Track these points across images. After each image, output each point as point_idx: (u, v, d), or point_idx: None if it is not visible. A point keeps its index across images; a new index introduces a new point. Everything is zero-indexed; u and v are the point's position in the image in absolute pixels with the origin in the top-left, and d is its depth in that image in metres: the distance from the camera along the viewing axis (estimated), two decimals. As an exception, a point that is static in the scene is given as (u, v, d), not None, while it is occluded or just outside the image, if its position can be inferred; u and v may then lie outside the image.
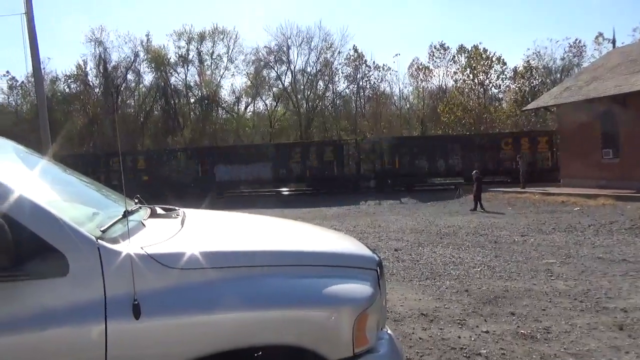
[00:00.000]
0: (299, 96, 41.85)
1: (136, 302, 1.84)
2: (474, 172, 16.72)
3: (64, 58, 72.15)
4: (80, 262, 1.86)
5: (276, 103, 44.97)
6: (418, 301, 5.57)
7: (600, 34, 39.50)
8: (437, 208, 16.81)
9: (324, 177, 25.99)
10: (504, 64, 39.67)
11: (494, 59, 39.41)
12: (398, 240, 9.96)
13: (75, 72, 42.52)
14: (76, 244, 1.87)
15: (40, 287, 1.82)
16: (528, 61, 40.50)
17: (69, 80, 42.78)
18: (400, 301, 5.56)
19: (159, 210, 2.92)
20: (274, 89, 43.95)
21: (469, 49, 40.86)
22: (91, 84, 42.71)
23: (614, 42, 25.66)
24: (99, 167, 26.62)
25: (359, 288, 2.24)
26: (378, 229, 11.77)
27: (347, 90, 43.71)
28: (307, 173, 26.15)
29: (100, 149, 36.45)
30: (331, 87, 42.90)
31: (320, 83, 42.71)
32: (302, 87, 42.19)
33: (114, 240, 1.99)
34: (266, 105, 45.20)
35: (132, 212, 2.57)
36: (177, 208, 2.98)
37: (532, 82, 40.08)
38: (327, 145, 27.61)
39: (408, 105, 45.33)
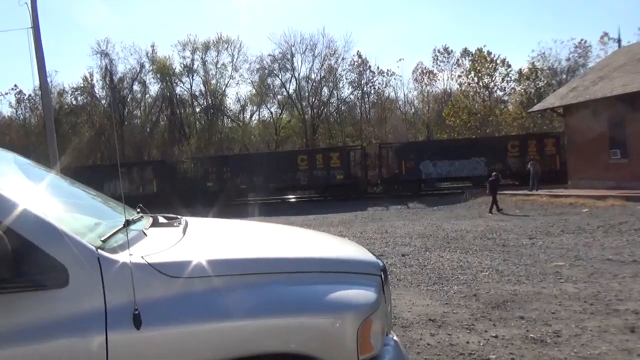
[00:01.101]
0: (303, 103, 41.91)
1: (137, 312, 1.83)
2: (493, 173, 16.72)
3: (71, 71, 72.95)
4: (80, 272, 1.85)
5: (281, 110, 45.10)
6: (426, 306, 5.52)
7: (606, 34, 39.30)
8: (444, 212, 16.73)
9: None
10: (509, 66, 39.51)
11: (498, 61, 39.29)
12: (405, 246, 9.91)
13: (82, 84, 42.98)
14: (76, 254, 1.86)
15: (40, 298, 1.82)
16: (533, 63, 40.31)
17: (76, 93, 43.22)
18: (408, 307, 5.51)
19: (161, 219, 2.91)
20: (279, 97, 44.10)
21: (473, 52, 40.81)
22: (97, 95, 43.10)
23: (619, 41, 25.60)
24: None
25: (363, 294, 2.22)
26: (385, 235, 11.72)
27: (351, 96, 43.73)
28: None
29: (108, 160, 36.71)
30: (336, 94, 42.93)
31: (325, 89, 42.75)
32: (307, 94, 42.24)
33: (114, 250, 1.99)
34: (271, 113, 45.36)
35: (133, 222, 2.57)
36: (179, 217, 2.97)
37: (538, 84, 39.86)
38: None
39: (413, 110, 45.27)
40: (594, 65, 28.37)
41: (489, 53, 39.35)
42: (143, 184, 26.73)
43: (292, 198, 27.32)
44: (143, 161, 33.44)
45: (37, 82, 20.49)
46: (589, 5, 60.48)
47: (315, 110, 41.97)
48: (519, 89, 40.59)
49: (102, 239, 2.04)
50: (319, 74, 41.81)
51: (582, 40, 40.53)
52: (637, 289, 5.71)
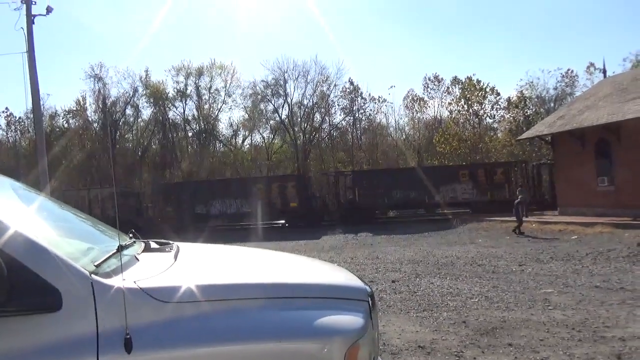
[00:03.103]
0: (295, 128, 42.23)
1: (128, 336, 1.85)
2: (520, 197, 17.19)
3: (63, 94, 73.07)
4: (73, 296, 1.88)
5: (273, 135, 45.40)
6: (415, 333, 5.52)
7: (592, 64, 40.35)
8: (435, 238, 16.78)
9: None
10: (498, 94, 40.30)
11: (487, 89, 40.04)
12: (396, 272, 9.92)
13: (75, 108, 43.06)
14: (70, 278, 1.89)
15: (32, 322, 1.84)
16: (521, 91, 41.20)
17: (68, 116, 43.26)
18: (397, 333, 5.51)
19: (153, 245, 2.94)
20: (271, 122, 44.46)
21: (463, 80, 41.60)
22: (90, 119, 43.14)
23: (604, 71, 26.17)
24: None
25: (350, 319, 2.25)
26: (376, 260, 11.73)
27: (343, 122, 44.22)
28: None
29: (98, 183, 36.53)
30: (327, 119, 43.37)
31: (317, 115, 43.21)
32: (299, 119, 42.61)
33: (107, 275, 2.02)
34: (263, 137, 45.67)
35: (126, 247, 2.60)
36: (171, 242, 3.01)
37: (526, 112, 40.60)
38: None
39: (404, 136, 45.75)
40: (580, 94, 29.04)
41: (479, 81, 40.16)
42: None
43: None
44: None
45: (29, 105, 20.55)
46: (576, 36, 62.20)
47: (307, 136, 42.28)
48: (508, 116, 41.32)
49: (96, 263, 2.07)
50: (311, 100, 42.34)
51: (568, 70, 41.56)
52: (624, 317, 5.77)
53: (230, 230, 25.46)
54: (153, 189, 29.56)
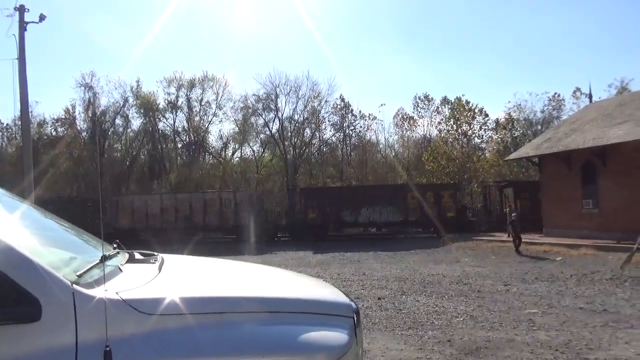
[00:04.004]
0: (286, 143, 42.31)
1: (108, 349, 1.83)
2: (513, 215, 17.16)
3: (53, 102, 72.57)
4: (53, 307, 1.85)
5: (263, 149, 45.40)
6: (400, 351, 5.50)
7: (578, 89, 41.12)
8: (422, 256, 16.79)
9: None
10: (486, 115, 40.81)
11: (476, 110, 40.53)
12: (382, 289, 9.90)
13: (63, 116, 42.73)
14: (51, 288, 1.87)
15: (11, 332, 1.80)
16: (509, 113, 41.80)
17: (57, 124, 42.90)
18: (382, 351, 5.48)
19: (137, 256, 2.92)
20: (262, 136, 44.51)
21: (452, 100, 42.11)
22: (79, 128, 42.81)
23: (590, 96, 26.56)
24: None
25: (335, 335, 2.25)
26: (362, 277, 11.69)
27: (333, 138, 44.39)
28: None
29: (84, 192, 36.18)
30: (318, 135, 43.51)
31: (307, 130, 43.35)
32: (290, 134, 42.72)
33: (90, 285, 1.99)
34: (253, 151, 45.63)
35: (109, 257, 2.58)
36: (155, 253, 2.98)
37: (514, 133, 41.16)
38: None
39: (393, 154, 46.03)
40: (567, 118, 29.53)
41: (468, 102, 40.65)
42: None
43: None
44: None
45: (18, 112, 20.40)
46: (563, 61, 63.42)
47: (297, 151, 42.35)
48: (496, 137, 41.83)
49: (78, 273, 2.05)
50: (302, 115, 42.50)
51: (555, 93, 42.23)
52: (607, 339, 5.80)
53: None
54: (290, 193, 28.48)
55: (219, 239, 26.65)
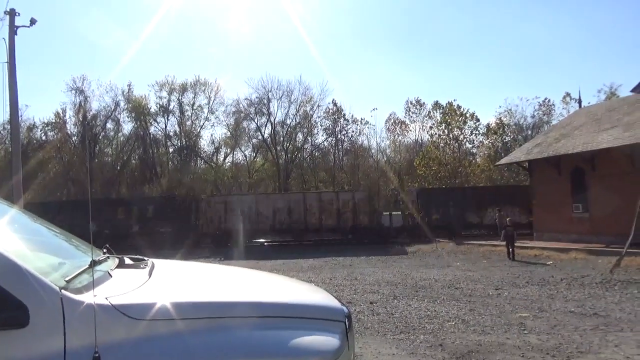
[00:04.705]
0: (278, 147, 42.30)
1: (97, 355, 1.81)
2: (507, 220, 17.11)
3: (43, 106, 72.12)
4: (41, 312, 1.83)
5: (255, 154, 45.37)
6: (392, 356, 5.49)
7: (568, 94, 41.63)
8: (414, 261, 16.82)
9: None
10: (477, 120, 41.12)
11: (467, 115, 40.81)
12: (374, 293, 9.89)
13: (54, 120, 42.44)
14: (39, 294, 1.84)
15: (-3, 339, 1.78)
16: (500, 118, 42.13)
17: (46, 128, 42.59)
18: (374, 356, 5.47)
19: (127, 261, 2.90)
20: (254, 140, 44.48)
21: (444, 105, 42.37)
22: (69, 132, 42.53)
23: (580, 101, 26.86)
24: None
25: (326, 340, 2.24)
26: (354, 282, 11.68)
27: (325, 142, 44.48)
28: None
29: (74, 196, 35.88)
30: (310, 140, 43.59)
31: (300, 135, 43.40)
32: (282, 138, 42.73)
33: (78, 291, 1.97)
34: (245, 155, 45.60)
35: (99, 262, 2.55)
36: (145, 258, 2.96)
37: (505, 138, 41.48)
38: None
39: (385, 158, 46.18)
40: (557, 123, 29.81)
41: (459, 107, 40.93)
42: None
43: (263, 241, 26.77)
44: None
45: (7, 116, 20.23)
46: (553, 67, 64.17)
47: (289, 155, 42.36)
48: (486, 142, 42.11)
49: (67, 279, 2.03)
50: (294, 120, 42.57)
51: (546, 99, 42.71)
52: (597, 342, 5.83)
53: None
54: (410, 192, 27.76)
55: (334, 240, 25.71)
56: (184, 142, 43.73)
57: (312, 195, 26.70)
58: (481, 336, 6.24)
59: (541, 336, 6.17)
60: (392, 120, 45.59)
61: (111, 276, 2.38)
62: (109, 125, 43.13)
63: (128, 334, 1.93)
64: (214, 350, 2.01)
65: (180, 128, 43.69)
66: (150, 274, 2.52)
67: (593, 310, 7.72)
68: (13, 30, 16.15)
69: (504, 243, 18.66)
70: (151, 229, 25.20)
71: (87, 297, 1.94)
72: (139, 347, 1.92)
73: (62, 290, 1.90)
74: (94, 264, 2.25)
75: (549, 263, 14.45)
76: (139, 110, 42.08)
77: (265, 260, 17.72)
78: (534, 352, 5.46)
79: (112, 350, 1.86)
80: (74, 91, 41.41)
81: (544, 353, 5.42)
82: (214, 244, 24.44)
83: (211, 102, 43.72)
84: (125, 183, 42.75)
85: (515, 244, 16.40)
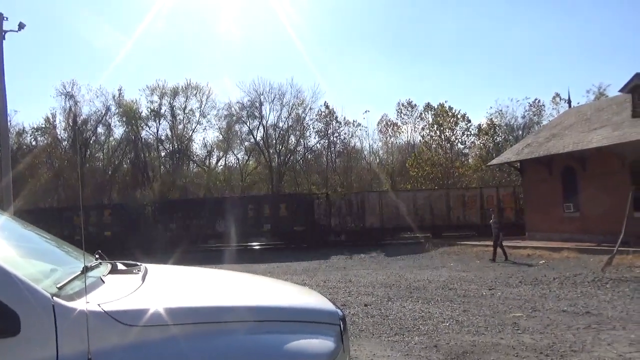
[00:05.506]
0: (270, 150, 42.23)
1: (90, 362, 1.79)
2: (493, 221, 16.66)
3: (33, 111, 71.56)
4: (33, 320, 1.81)
5: (248, 157, 45.25)
6: (387, 358, 5.49)
7: (557, 95, 41.88)
8: (407, 262, 16.85)
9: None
10: (469, 121, 41.31)
11: (459, 116, 40.99)
12: (368, 295, 9.89)
13: (43, 125, 42.09)
14: (30, 301, 1.82)
15: (-12, 347, 1.76)
16: (491, 119, 42.35)
17: (36, 133, 42.24)
18: (369, 358, 5.47)
19: (120, 266, 2.87)
20: (246, 143, 44.37)
21: (436, 106, 42.52)
22: (59, 137, 42.20)
23: (569, 102, 27.03)
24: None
25: (321, 343, 2.24)
26: (348, 284, 11.68)
27: (318, 145, 44.45)
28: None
29: (64, 202, 35.61)
30: (302, 142, 43.53)
31: (292, 138, 43.34)
32: (274, 141, 42.66)
33: (71, 297, 1.95)
34: (238, 159, 45.45)
35: (91, 268, 2.53)
36: (138, 263, 2.94)
37: (496, 139, 41.69)
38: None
39: (378, 160, 46.25)
40: (547, 123, 30.04)
41: (451, 108, 41.11)
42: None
43: (256, 245, 26.71)
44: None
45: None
46: (543, 67, 64.51)
47: (282, 158, 42.31)
48: (478, 143, 42.32)
49: (58, 285, 2.01)
50: (286, 123, 42.50)
51: (536, 99, 42.91)
52: (590, 341, 5.87)
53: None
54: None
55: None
56: (176, 146, 43.53)
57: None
58: (475, 337, 6.26)
59: (535, 336, 6.20)
60: (384, 122, 45.67)
61: (104, 282, 2.36)
62: (100, 129, 42.86)
63: (121, 340, 1.92)
64: (208, 356, 2.00)
65: (172, 132, 43.48)
66: (143, 279, 2.50)
67: (585, 309, 7.77)
68: (1, 34, 16.03)
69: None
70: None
71: (79, 304, 1.92)
72: (132, 353, 1.90)
73: (54, 297, 1.88)
74: (86, 270, 2.23)
75: (541, 262, 14.53)
76: (130, 115, 41.82)
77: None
78: (528, 352, 5.48)
79: (105, 357, 1.85)
80: (63, 96, 41.09)
81: (538, 352, 5.45)
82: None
83: (203, 106, 43.57)
84: (117, 187, 42.47)
85: (504, 244, 16.07)
